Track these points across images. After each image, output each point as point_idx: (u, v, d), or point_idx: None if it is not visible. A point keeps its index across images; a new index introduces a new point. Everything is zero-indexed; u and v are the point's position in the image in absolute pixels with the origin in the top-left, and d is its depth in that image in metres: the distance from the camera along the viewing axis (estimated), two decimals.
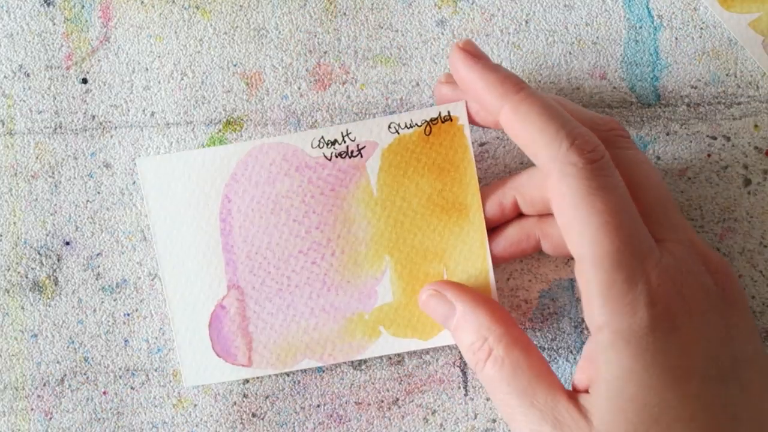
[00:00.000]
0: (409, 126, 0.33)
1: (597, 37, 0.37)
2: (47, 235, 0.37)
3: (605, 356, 0.27)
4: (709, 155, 0.37)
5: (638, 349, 0.27)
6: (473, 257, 0.34)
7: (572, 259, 0.36)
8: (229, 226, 0.34)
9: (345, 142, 0.34)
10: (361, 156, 0.34)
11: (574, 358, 0.36)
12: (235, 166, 0.34)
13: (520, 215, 0.34)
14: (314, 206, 0.34)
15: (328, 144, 0.34)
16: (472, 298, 0.32)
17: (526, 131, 0.29)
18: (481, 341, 0.31)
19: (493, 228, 0.34)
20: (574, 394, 0.29)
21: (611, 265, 0.27)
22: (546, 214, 0.33)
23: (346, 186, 0.34)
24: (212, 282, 0.34)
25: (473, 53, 0.31)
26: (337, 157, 0.34)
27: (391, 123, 0.33)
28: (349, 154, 0.34)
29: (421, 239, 0.34)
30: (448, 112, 0.33)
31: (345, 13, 0.37)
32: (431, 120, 0.33)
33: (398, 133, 0.33)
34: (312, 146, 0.34)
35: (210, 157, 0.34)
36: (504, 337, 0.31)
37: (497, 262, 0.34)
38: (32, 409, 0.37)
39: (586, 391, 0.29)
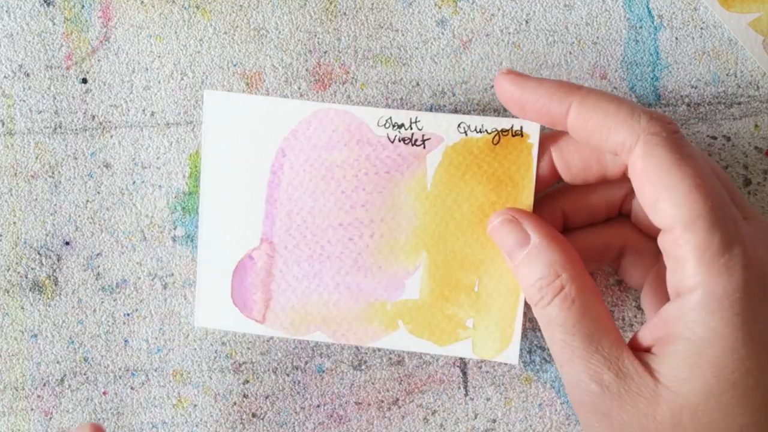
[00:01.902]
0: (479, 130, 0.33)
1: (597, 37, 0.37)
2: (47, 235, 0.37)
3: (693, 316, 0.27)
4: (709, 155, 0.37)
5: (730, 312, 0.27)
6: (509, 277, 0.33)
7: None
8: (278, 180, 0.34)
9: (411, 128, 0.33)
10: (424, 147, 0.33)
11: None
12: (298, 123, 0.33)
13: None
14: (365, 184, 0.34)
15: (394, 126, 0.33)
16: (549, 232, 0.31)
17: (600, 117, 0.29)
18: (552, 277, 0.30)
19: None
20: (636, 352, 0.29)
21: (707, 226, 0.27)
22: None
23: (402, 172, 0.33)
24: (247, 230, 0.34)
25: (519, 74, 0.31)
26: (400, 141, 0.33)
27: (461, 122, 0.33)
28: (413, 142, 0.33)
29: (461, 245, 0.33)
30: (521, 128, 0.33)
31: (345, 13, 0.37)
32: (502, 130, 0.33)
33: (466, 135, 0.33)
34: (378, 124, 0.33)
35: (276, 107, 0.33)
36: (578, 278, 0.30)
37: None
38: (32, 409, 0.37)
39: (648, 351, 0.29)
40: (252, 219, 0.34)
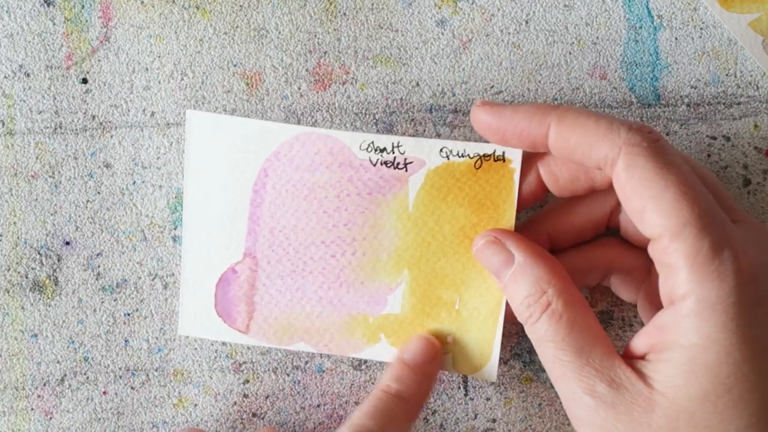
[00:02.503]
0: (460, 155, 0.33)
1: (597, 37, 0.37)
2: (47, 235, 0.37)
3: (687, 323, 0.27)
4: (709, 155, 0.37)
5: (724, 318, 0.27)
6: (489, 297, 0.34)
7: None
8: (260, 198, 0.34)
9: (393, 152, 0.34)
10: (406, 170, 0.34)
11: None
12: (280, 144, 0.34)
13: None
14: (348, 204, 0.34)
15: (376, 150, 0.34)
16: (532, 250, 0.31)
17: (579, 132, 0.29)
18: (539, 294, 0.30)
19: None
20: (629, 360, 0.29)
21: (695, 233, 0.27)
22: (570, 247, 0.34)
23: (384, 194, 0.34)
24: (230, 245, 0.35)
25: (494, 103, 0.32)
26: (382, 164, 0.34)
27: (443, 147, 0.33)
28: (395, 165, 0.34)
29: (443, 265, 0.34)
30: (503, 153, 0.33)
31: (345, 13, 0.37)
32: (484, 155, 0.33)
33: (448, 159, 0.33)
34: (360, 148, 0.34)
35: (258, 129, 0.34)
36: (564, 292, 0.30)
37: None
38: (32, 409, 0.37)
39: (642, 358, 0.29)
40: (235, 234, 0.34)
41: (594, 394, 0.29)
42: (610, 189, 0.31)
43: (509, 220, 0.33)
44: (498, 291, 0.33)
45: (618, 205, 0.33)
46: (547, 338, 0.30)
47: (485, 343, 0.34)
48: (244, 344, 0.37)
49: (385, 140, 0.34)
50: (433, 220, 0.34)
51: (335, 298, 0.35)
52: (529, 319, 0.31)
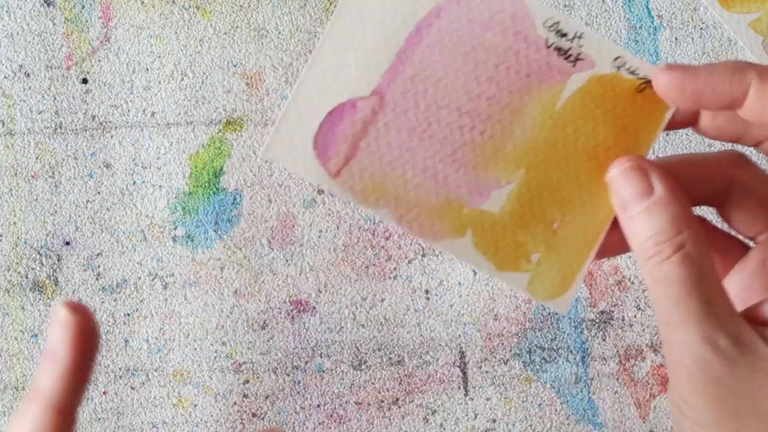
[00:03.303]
0: (632, 71, 0.32)
1: None
2: (47, 235, 0.37)
3: None
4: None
5: None
6: (590, 226, 0.32)
7: None
8: (419, 38, 0.32)
9: (572, 42, 0.32)
10: (575, 65, 0.32)
11: (574, 358, 0.36)
12: None
13: None
14: (501, 78, 0.32)
15: (558, 33, 0.32)
16: (676, 187, 0.29)
17: None
18: (674, 233, 0.28)
19: None
20: (752, 324, 0.28)
21: None
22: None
23: (540, 82, 0.32)
24: (365, 74, 0.32)
25: (682, 65, 0.30)
26: (555, 50, 0.32)
27: (619, 56, 0.32)
28: (566, 56, 0.32)
29: (559, 177, 0.32)
30: None
31: None
32: (650, 82, 0.31)
33: (618, 70, 0.32)
34: (544, 24, 0.32)
35: None
36: (700, 237, 0.28)
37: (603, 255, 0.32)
38: None
39: (765, 324, 0.28)
40: (374, 66, 0.31)
41: (716, 347, 0.27)
42: (756, 145, 0.30)
43: (643, 154, 0.31)
44: (600, 223, 0.32)
45: (729, 199, 0.32)
46: (674, 280, 0.28)
47: (569, 273, 0.32)
48: (327, 190, 0.33)
49: (571, 25, 0.32)
50: (572, 128, 0.32)
51: (441, 174, 0.32)
52: (655, 257, 0.29)
